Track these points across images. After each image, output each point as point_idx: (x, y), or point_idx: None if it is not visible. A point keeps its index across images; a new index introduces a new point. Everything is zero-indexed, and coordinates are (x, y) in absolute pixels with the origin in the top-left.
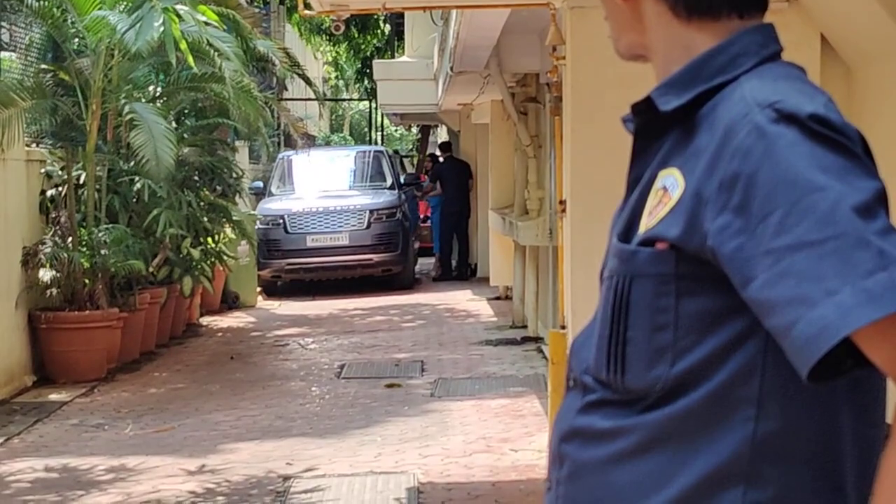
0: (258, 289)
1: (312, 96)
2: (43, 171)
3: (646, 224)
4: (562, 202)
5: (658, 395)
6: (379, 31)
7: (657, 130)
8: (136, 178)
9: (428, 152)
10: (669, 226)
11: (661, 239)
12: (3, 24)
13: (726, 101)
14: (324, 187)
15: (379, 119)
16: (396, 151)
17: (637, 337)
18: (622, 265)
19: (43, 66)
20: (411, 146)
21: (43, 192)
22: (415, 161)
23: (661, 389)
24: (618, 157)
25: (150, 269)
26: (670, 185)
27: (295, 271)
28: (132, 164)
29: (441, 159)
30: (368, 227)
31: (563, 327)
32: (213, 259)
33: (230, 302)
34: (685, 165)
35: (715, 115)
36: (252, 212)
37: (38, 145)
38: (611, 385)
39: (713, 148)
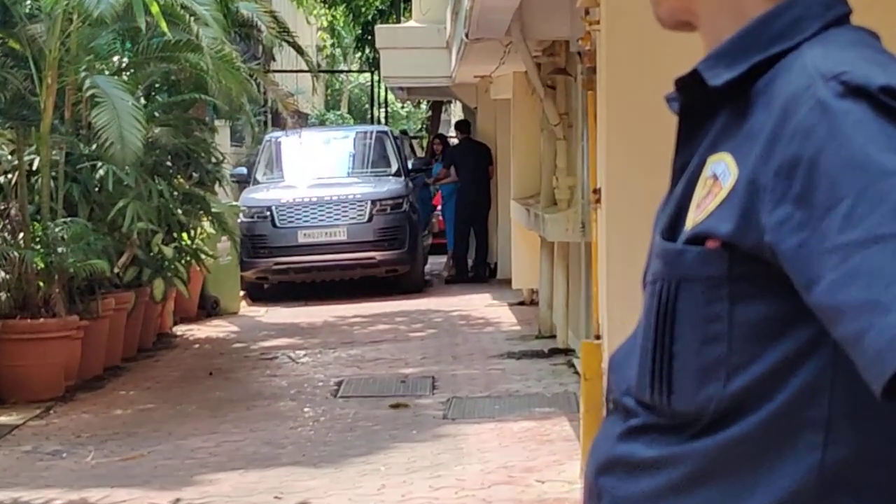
0: (241, 293)
1: (305, 68)
2: None
3: (693, 218)
4: (596, 191)
5: (710, 418)
6: None
7: (706, 109)
8: (99, 164)
9: (437, 132)
10: (721, 220)
11: (712, 235)
12: None
13: (785, 73)
14: (318, 174)
15: (382, 94)
16: (404, 132)
17: (685, 351)
18: (666, 267)
19: None
20: (420, 125)
21: None
22: (424, 143)
23: (714, 412)
24: (662, 138)
25: (116, 270)
26: (721, 172)
27: (284, 272)
28: (94, 147)
29: (457, 141)
30: (370, 220)
31: (598, 338)
32: (188, 258)
33: (209, 308)
34: (738, 149)
35: (772, 90)
36: (234, 203)
37: None
38: (655, 408)
39: (770, 128)
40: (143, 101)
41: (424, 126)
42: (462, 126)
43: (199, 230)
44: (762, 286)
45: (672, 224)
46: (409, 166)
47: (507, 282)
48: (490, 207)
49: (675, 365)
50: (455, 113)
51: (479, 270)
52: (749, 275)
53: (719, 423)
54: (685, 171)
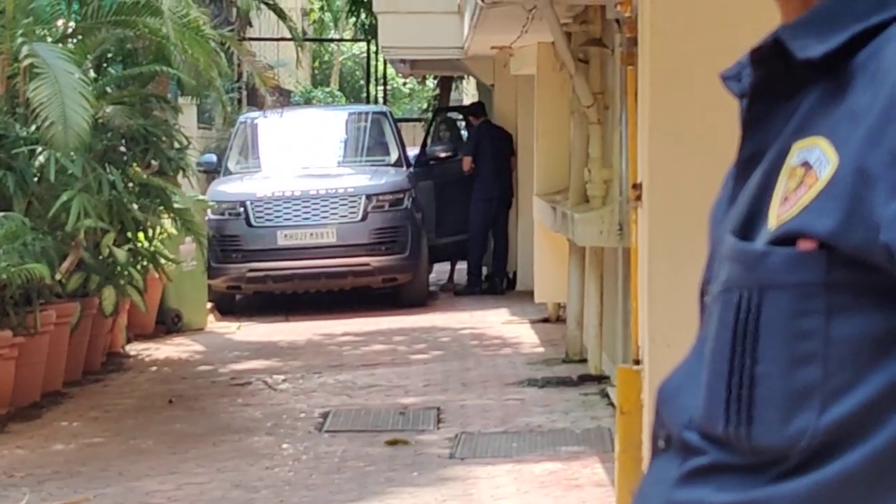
0: (208, 305)
1: (287, 35)
2: None
3: (780, 214)
4: (636, 186)
5: (800, 455)
6: None
7: (788, 87)
8: (38, 149)
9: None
10: (818, 216)
11: (806, 234)
12: None
13: (893, 43)
14: (302, 163)
15: (380, 68)
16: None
17: (770, 373)
18: (746, 273)
19: None
20: (426, 105)
21: None
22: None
23: (806, 448)
24: (717, 122)
25: (58, 277)
26: (816, 160)
27: (260, 280)
28: (32, 128)
29: (468, 122)
30: (364, 218)
31: (638, 362)
32: (145, 263)
33: (169, 323)
34: (836, 133)
35: (879, 64)
36: (201, 197)
37: None
38: (730, 443)
39: (880, 107)
40: (92, 73)
41: (431, 106)
42: (478, 109)
43: (158, 229)
44: (865, 296)
45: (747, 222)
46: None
47: (529, 294)
48: (511, 205)
49: (757, 391)
50: (468, 91)
51: (496, 281)
52: (850, 282)
53: (813, 461)
54: (758, 160)
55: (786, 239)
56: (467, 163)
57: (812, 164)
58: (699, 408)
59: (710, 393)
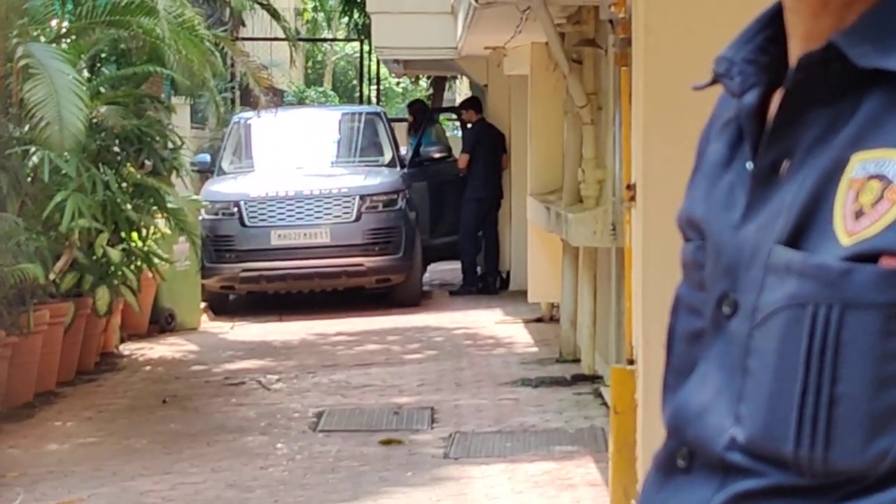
0: (202, 305)
1: (281, 35)
2: None
3: (854, 230)
4: (630, 186)
5: (879, 476)
6: None
7: (827, 94)
8: (32, 149)
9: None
10: None
11: (892, 252)
12: None
13: None
14: (295, 163)
15: (374, 68)
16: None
17: (853, 394)
18: (824, 290)
19: None
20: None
21: None
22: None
23: (887, 469)
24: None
25: (51, 277)
26: (892, 173)
27: (254, 280)
28: (26, 128)
29: (462, 122)
30: (358, 219)
31: (632, 362)
32: (138, 263)
33: (162, 323)
34: None
35: None
36: (195, 197)
37: None
38: (799, 465)
39: None
40: (86, 74)
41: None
42: (475, 105)
43: (152, 229)
44: None
45: (795, 233)
46: (419, 153)
47: (522, 294)
48: (500, 205)
49: (837, 412)
50: (461, 91)
51: (489, 280)
52: None
53: (889, 481)
54: (778, 167)
55: (866, 256)
56: (464, 160)
57: (892, 179)
58: (750, 428)
59: (773, 413)
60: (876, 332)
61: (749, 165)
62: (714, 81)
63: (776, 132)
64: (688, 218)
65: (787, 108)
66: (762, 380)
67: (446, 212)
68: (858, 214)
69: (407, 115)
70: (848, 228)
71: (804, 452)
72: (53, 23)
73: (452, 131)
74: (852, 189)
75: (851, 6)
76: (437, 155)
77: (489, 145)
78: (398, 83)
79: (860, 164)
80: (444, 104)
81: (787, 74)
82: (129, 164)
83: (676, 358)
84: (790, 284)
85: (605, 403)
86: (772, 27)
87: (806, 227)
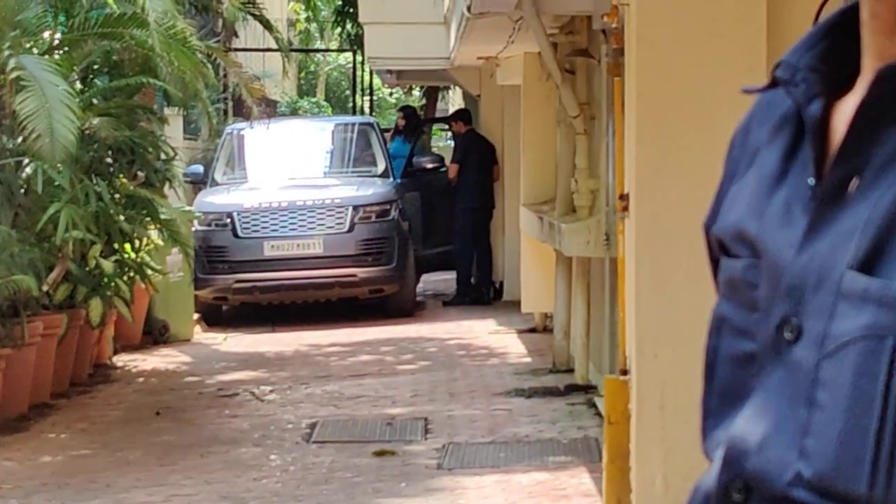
0: (195, 316)
1: (273, 46)
2: None
3: None
4: (623, 197)
5: None
6: None
7: None
8: (25, 161)
9: (406, 106)
10: None
11: None
12: None
13: None
14: (288, 174)
15: (366, 78)
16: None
17: None
18: None
19: None
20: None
21: None
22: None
23: None
24: (703, 132)
25: (45, 288)
26: None
27: (247, 291)
28: (19, 140)
29: (454, 133)
30: (351, 229)
31: (625, 373)
32: (132, 274)
33: (156, 334)
34: None
35: None
36: (188, 208)
37: None
38: (871, 502)
39: None
40: (78, 85)
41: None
42: (464, 116)
43: (145, 240)
44: None
45: (870, 257)
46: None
47: (516, 304)
48: (492, 215)
49: None
50: (454, 101)
51: (482, 291)
52: None
53: None
54: (845, 187)
55: None
56: (454, 170)
57: None
58: (818, 464)
59: (845, 450)
60: None
61: (811, 181)
62: (772, 86)
63: (847, 147)
64: (737, 232)
65: (861, 123)
66: (833, 414)
67: (439, 222)
68: None
69: (398, 118)
70: None
71: (879, 493)
72: (46, 35)
73: (446, 141)
74: None
75: None
76: (429, 165)
77: (480, 155)
78: (391, 94)
79: None
80: (438, 114)
81: (864, 87)
82: (121, 176)
83: (720, 381)
84: (867, 313)
85: (598, 414)
86: (834, 35)
87: (882, 251)
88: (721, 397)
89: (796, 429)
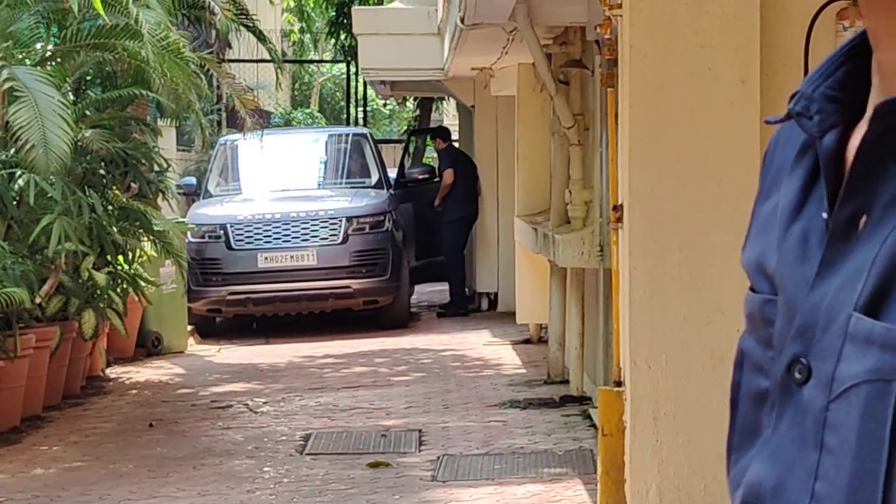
0: (189, 328)
1: (267, 57)
2: None
3: None
4: (617, 208)
5: None
6: None
7: None
8: (18, 172)
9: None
10: None
11: None
12: None
13: None
14: (282, 185)
15: (360, 89)
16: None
17: None
18: None
19: None
20: (406, 127)
21: None
22: (410, 149)
23: None
24: (696, 144)
25: (37, 300)
26: None
27: (241, 303)
28: (11, 151)
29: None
30: (345, 241)
31: (619, 384)
32: (125, 286)
33: (149, 346)
34: None
35: None
36: (181, 219)
37: None
38: None
39: None
40: (71, 96)
41: (410, 128)
42: (444, 133)
43: (138, 252)
44: None
45: (875, 299)
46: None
47: (510, 316)
48: (472, 228)
49: None
50: (448, 112)
51: (462, 301)
52: None
53: None
54: (858, 221)
55: None
56: (450, 175)
57: None
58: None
59: (854, 496)
60: None
61: (825, 215)
62: (789, 117)
63: (853, 183)
64: (758, 266)
65: (865, 159)
66: (842, 458)
67: (432, 233)
68: None
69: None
70: None
71: None
72: (38, 46)
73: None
74: None
75: None
76: (420, 177)
77: (465, 167)
78: (385, 104)
79: None
80: (431, 125)
81: (866, 122)
82: (114, 187)
83: (741, 416)
84: (872, 357)
85: (593, 425)
86: (854, 60)
87: (887, 293)
88: (741, 433)
89: (807, 472)
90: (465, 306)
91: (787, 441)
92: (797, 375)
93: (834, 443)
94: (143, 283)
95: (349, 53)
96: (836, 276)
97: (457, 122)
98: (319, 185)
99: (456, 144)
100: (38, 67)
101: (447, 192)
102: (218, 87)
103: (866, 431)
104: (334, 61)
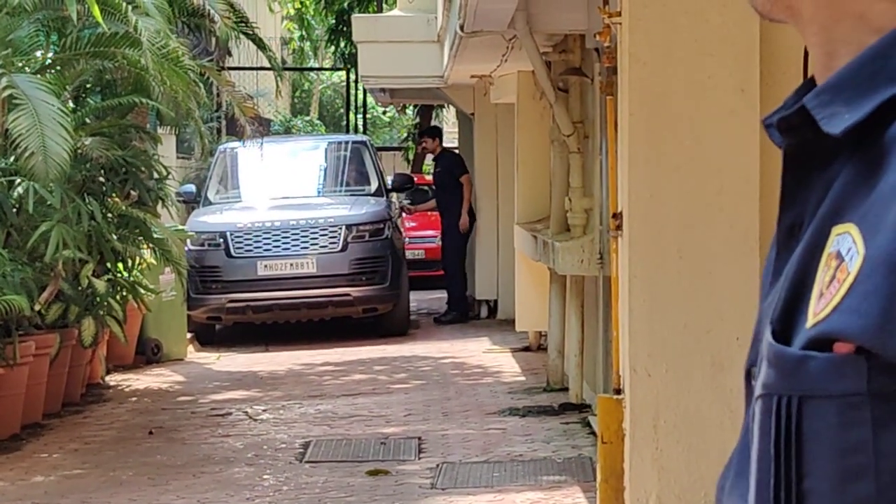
0: (188, 335)
1: (266, 65)
2: None
3: (816, 312)
4: (616, 215)
5: None
6: None
7: (821, 157)
8: (17, 180)
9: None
10: (850, 317)
11: (841, 337)
12: None
13: None
14: (282, 193)
15: (360, 97)
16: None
17: (820, 489)
18: (784, 380)
19: None
20: (405, 135)
21: None
22: (409, 156)
23: None
24: (695, 152)
25: (37, 308)
26: (847, 251)
27: (241, 311)
28: (11, 159)
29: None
30: (345, 248)
31: (619, 392)
32: (124, 293)
33: (149, 354)
34: (865, 220)
35: None
36: (180, 227)
37: None
38: None
39: None
40: (71, 104)
41: (411, 135)
42: (434, 132)
43: (137, 260)
44: None
45: (786, 312)
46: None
47: (510, 323)
48: (470, 232)
49: None
50: (448, 119)
51: (460, 308)
52: (894, 391)
53: None
54: (796, 233)
55: (823, 341)
56: (468, 182)
57: (844, 256)
58: None
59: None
60: (835, 425)
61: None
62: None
63: (785, 194)
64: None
65: (787, 172)
66: (756, 468)
67: None
68: (820, 295)
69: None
70: (813, 310)
71: None
72: (38, 54)
73: None
74: (826, 265)
75: (840, 51)
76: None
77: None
78: (384, 112)
79: (835, 238)
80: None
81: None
82: (114, 195)
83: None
84: (766, 371)
85: (592, 432)
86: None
87: (795, 307)
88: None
89: (745, 479)
90: (465, 313)
91: (742, 445)
92: (753, 383)
93: (754, 453)
94: (142, 291)
95: (349, 61)
96: (775, 288)
97: (456, 129)
98: (319, 192)
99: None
100: (38, 75)
101: (448, 200)
102: (218, 95)
103: (761, 442)
104: (334, 69)
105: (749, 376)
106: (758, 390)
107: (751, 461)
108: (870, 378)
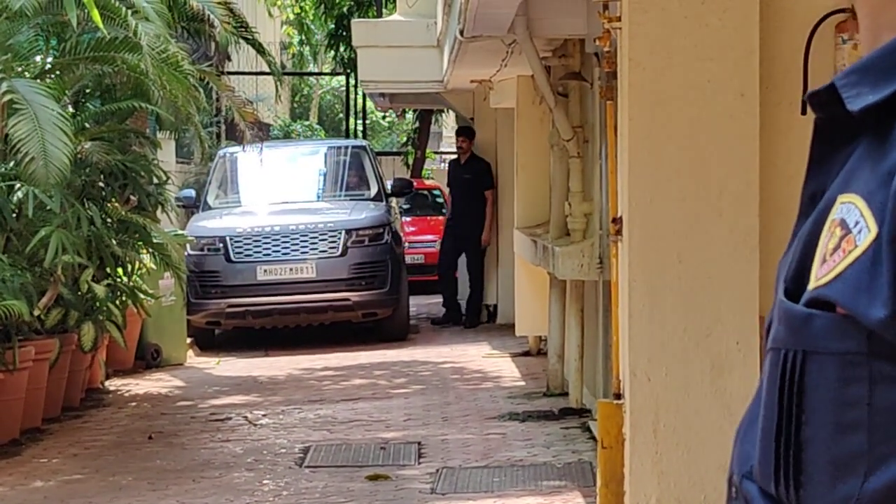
0: (188, 340)
1: (266, 69)
2: None
3: (818, 276)
4: (616, 220)
5: None
6: None
7: (845, 132)
8: (17, 185)
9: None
10: (853, 289)
11: (840, 306)
12: None
13: None
14: (281, 197)
15: (359, 101)
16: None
17: (817, 438)
18: (791, 335)
19: None
20: (405, 139)
21: None
22: (409, 160)
23: None
24: (695, 156)
25: (36, 313)
26: (855, 223)
27: (240, 315)
28: (11, 164)
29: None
30: (344, 253)
31: (619, 396)
32: (124, 298)
33: (148, 358)
34: (875, 198)
35: None
36: (180, 232)
37: None
38: (781, 503)
39: None
40: (70, 109)
41: (410, 140)
42: (473, 135)
43: (137, 265)
44: None
45: (798, 273)
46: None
47: (510, 328)
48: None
49: (805, 455)
50: (447, 124)
51: (472, 316)
52: (892, 353)
53: None
54: (815, 203)
55: (822, 303)
56: (492, 197)
57: (850, 227)
58: (757, 460)
59: (763, 450)
60: (834, 379)
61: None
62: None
63: (812, 165)
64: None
65: (819, 143)
66: (763, 414)
67: None
68: (823, 262)
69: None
70: (815, 273)
71: (782, 491)
72: (38, 58)
73: (439, 164)
74: (830, 231)
75: (884, 34)
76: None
77: (473, 176)
78: (384, 117)
79: (840, 206)
80: (430, 138)
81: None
82: (114, 200)
83: None
84: (775, 327)
85: (592, 437)
86: None
87: (805, 267)
88: None
89: (756, 425)
90: (459, 317)
91: (757, 397)
92: (766, 342)
93: (762, 399)
94: (142, 296)
95: (348, 66)
96: (791, 248)
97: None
98: (319, 197)
99: (453, 155)
100: (38, 80)
101: (466, 208)
102: (217, 100)
103: (769, 392)
104: (334, 74)
105: (769, 332)
106: (769, 344)
107: (762, 408)
108: (870, 340)
